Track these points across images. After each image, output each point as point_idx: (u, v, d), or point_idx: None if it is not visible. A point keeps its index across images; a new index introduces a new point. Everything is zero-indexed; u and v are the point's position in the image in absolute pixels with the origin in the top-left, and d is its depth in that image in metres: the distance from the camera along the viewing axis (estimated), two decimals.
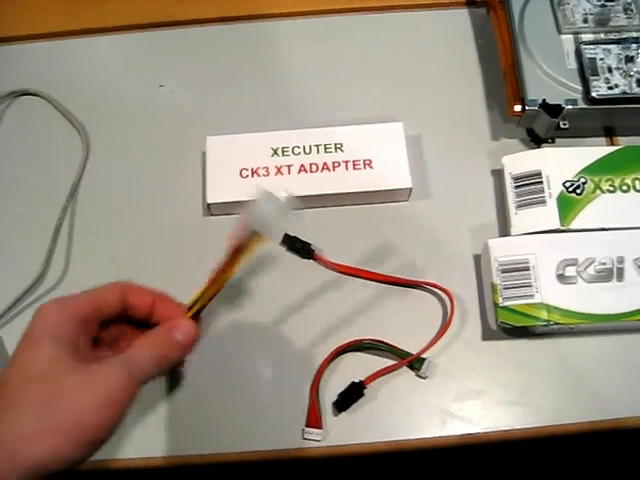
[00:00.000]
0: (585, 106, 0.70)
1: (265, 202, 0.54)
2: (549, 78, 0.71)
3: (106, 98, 0.81)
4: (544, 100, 0.70)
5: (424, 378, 0.65)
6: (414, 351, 0.65)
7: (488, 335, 0.67)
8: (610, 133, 0.76)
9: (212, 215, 0.73)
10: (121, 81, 0.82)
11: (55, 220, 0.73)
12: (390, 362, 0.65)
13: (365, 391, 0.64)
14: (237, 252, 0.54)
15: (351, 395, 0.64)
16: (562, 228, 0.66)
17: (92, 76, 0.82)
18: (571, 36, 0.73)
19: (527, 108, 0.70)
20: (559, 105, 0.70)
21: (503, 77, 0.74)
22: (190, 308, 0.55)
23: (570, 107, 0.70)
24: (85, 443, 0.45)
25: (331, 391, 0.65)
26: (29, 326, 0.48)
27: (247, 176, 0.71)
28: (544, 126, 0.71)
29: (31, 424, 0.44)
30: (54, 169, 0.76)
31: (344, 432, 0.63)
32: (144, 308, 0.54)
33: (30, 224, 0.74)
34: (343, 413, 0.64)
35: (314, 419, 0.63)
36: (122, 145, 0.78)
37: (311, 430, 0.63)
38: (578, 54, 0.72)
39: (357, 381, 0.64)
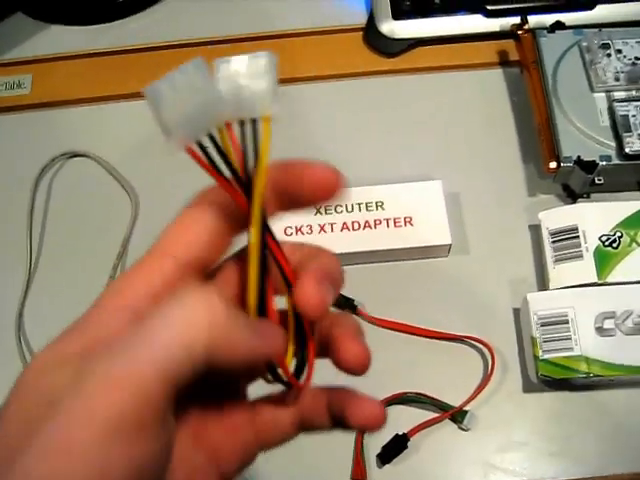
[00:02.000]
0: (619, 162, 0.71)
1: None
2: (583, 135, 0.73)
3: (153, 159, 0.83)
4: (579, 157, 0.71)
5: (466, 430, 0.66)
6: (456, 404, 0.66)
7: (529, 387, 0.68)
8: None
9: None
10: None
11: (107, 279, 0.76)
12: (433, 415, 0.66)
13: (409, 443, 0.65)
14: None
15: (395, 447, 0.65)
16: (599, 282, 0.68)
17: (140, 137, 0.85)
18: (603, 94, 0.75)
19: (562, 165, 0.71)
20: (593, 161, 0.71)
21: (538, 134, 0.76)
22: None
23: (604, 163, 0.71)
24: None
25: (375, 443, 0.66)
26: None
27: (291, 234, 0.73)
28: (579, 182, 0.73)
29: None
30: (104, 229, 0.79)
31: None
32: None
33: (82, 283, 0.75)
34: (387, 465, 0.65)
35: (359, 472, 0.64)
36: (169, 205, 0.79)
37: None
38: (611, 111, 0.74)
39: (401, 434, 0.65)
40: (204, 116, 0.32)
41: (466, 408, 0.66)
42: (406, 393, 0.67)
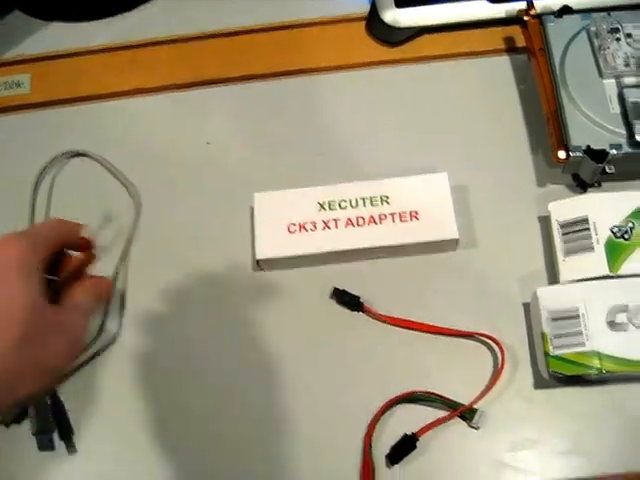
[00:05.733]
0: (630, 150, 0.69)
1: None
2: (592, 123, 0.71)
3: (155, 156, 0.82)
4: (588, 146, 0.70)
5: (476, 429, 0.65)
6: (466, 402, 0.65)
7: (540, 384, 0.66)
8: None
9: (262, 270, 0.74)
10: (169, 139, 0.84)
11: (110, 278, 0.75)
12: (442, 413, 0.65)
13: (418, 443, 0.64)
14: None
15: (404, 447, 0.64)
16: (611, 274, 0.66)
17: (140, 135, 0.85)
18: (613, 80, 0.73)
19: (571, 154, 0.70)
20: (604, 150, 0.69)
21: (546, 123, 0.74)
22: None
23: (615, 152, 0.69)
24: (46, 386, 0.56)
25: (384, 444, 0.65)
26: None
27: (295, 231, 0.72)
28: (589, 171, 0.71)
29: (13, 369, 0.49)
30: (106, 228, 0.78)
31: None
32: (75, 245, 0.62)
33: None
34: (396, 466, 0.64)
35: (367, 473, 0.63)
36: (172, 202, 0.79)
37: None
38: (621, 98, 0.72)
39: (410, 434, 0.64)
40: None
41: (476, 406, 0.65)
42: (414, 392, 0.65)
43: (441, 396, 0.65)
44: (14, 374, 0.49)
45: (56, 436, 0.68)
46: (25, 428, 0.68)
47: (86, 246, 0.63)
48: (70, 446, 0.68)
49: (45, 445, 0.68)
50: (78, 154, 0.83)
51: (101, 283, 0.64)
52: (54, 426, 0.68)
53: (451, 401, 0.65)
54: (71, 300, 0.58)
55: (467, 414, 0.65)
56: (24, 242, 0.53)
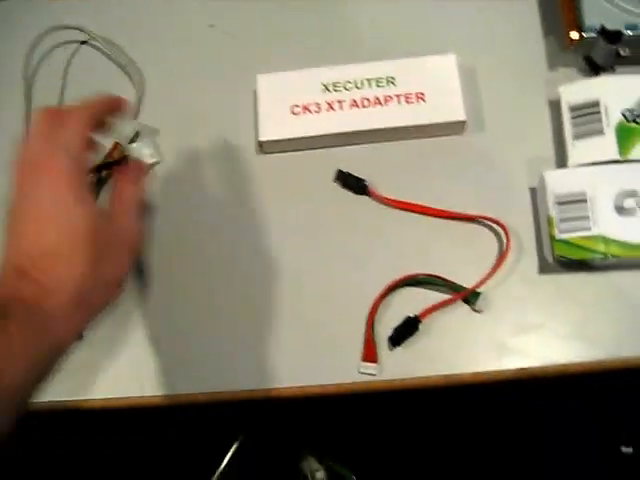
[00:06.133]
0: None
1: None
2: (608, 2, 0.68)
3: (157, 40, 0.80)
4: (602, 26, 0.67)
5: (479, 312, 0.65)
6: (470, 285, 0.64)
7: (545, 269, 0.66)
8: None
9: (265, 153, 0.73)
10: (171, 22, 0.81)
11: None
12: (445, 297, 0.65)
13: (420, 326, 0.64)
14: None
15: (406, 330, 0.64)
16: (621, 158, 0.65)
17: (143, 17, 0.82)
18: None
19: (585, 35, 0.68)
20: (619, 31, 0.67)
21: (559, 3, 0.71)
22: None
23: (630, 33, 0.67)
24: (117, 295, 0.57)
25: (386, 326, 0.65)
26: (44, 173, 0.53)
27: (298, 113, 0.71)
28: (603, 54, 0.69)
29: (88, 287, 0.52)
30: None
31: (399, 367, 0.64)
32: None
33: None
34: (398, 348, 0.64)
35: (370, 353, 0.64)
36: (174, 86, 0.78)
37: (367, 364, 0.64)
38: None
39: (412, 316, 0.64)
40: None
41: (479, 290, 0.64)
42: (418, 274, 0.65)
43: (444, 279, 0.65)
44: (90, 291, 0.52)
45: None
46: None
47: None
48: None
49: None
50: (78, 35, 0.81)
51: (137, 167, 0.65)
52: None
53: (454, 284, 0.65)
54: (118, 199, 0.59)
55: (470, 297, 0.64)
56: (62, 158, 0.53)
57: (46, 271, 0.51)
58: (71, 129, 0.55)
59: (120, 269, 0.56)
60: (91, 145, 0.58)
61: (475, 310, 0.65)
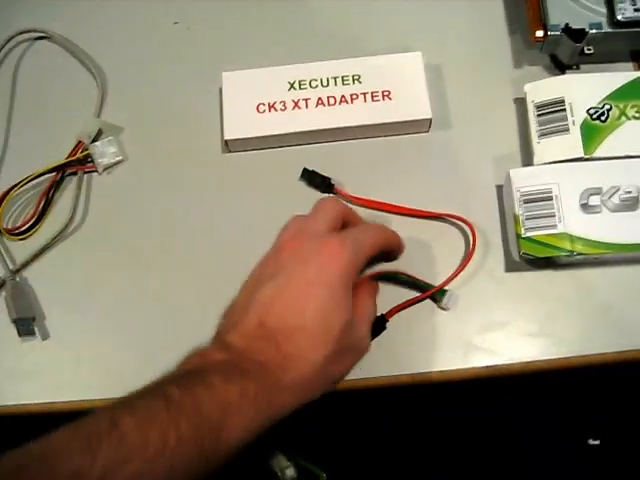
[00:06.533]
0: (610, 30, 0.67)
1: None
2: (572, 1, 0.68)
3: (120, 38, 0.79)
4: (567, 24, 0.67)
5: (446, 310, 0.65)
6: (436, 283, 0.64)
7: (511, 266, 0.66)
8: (638, 58, 0.73)
9: (231, 152, 0.72)
10: (134, 19, 0.80)
11: None
12: (412, 295, 0.65)
13: (387, 324, 0.64)
14: None
15: (373, 329, 0.64)
16: (586, 156, 0.65)
17: (105, 15, 0.81)
18: None
19: (549, 33, 0.68)
20: (583, 29, 0.67)
21: (524, 1, 0.72)
22: None
23: (594, 31, 0.67)
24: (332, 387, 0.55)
25: None
26: (321, 255, 0.53)
27: (264, 111, 0.70)
28: (568, 52, 0.69)
29: (318, 378, 0.51)
30: (70, 112, 0.76)
31: (366, 366, 0.63)
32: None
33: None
34: None
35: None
36: (137, 85, 0.77)
37: None
38: None
39: (379, 315, 0.64)
40: None
41: (446, 288, 0.64)
42: (384, 272, 0.65)
43: (410, 276, 0.65)
44: (315, 384, 0.51)
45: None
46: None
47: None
48: None
49: (26, 331, 0.67)
50: (38, 35, 0.80)
51: (376, 286, 0.64)
52: (33, 312, 0.68)
53: (421, 282, 0.64)
54: (359, 309, 0.56)
55: (437, 295, 0.64)
56: (350, 250, 0.53)
57: (294, 343, 0.50)
58: (368, 236, 0.57)
59: (345, 371, 0.55)
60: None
61: (442, 308, 0.64)
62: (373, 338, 0.63)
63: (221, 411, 0.45)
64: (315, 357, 0.50)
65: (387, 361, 0.64)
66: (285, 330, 0.50)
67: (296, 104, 0.70)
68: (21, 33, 0.79)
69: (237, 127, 0.70)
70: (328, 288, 0.51)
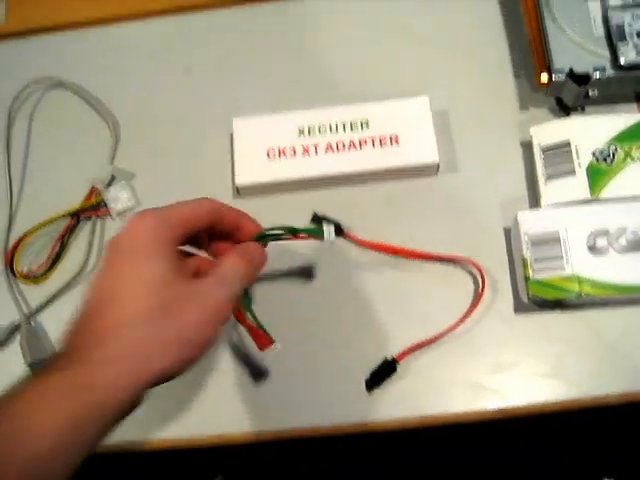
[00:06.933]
0: (613, 73, 0.68)
1: None
2: (576, 45, 0.70)
3: (133, 85, 0.81)
4: (571, 69, 0.68)
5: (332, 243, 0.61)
6: (446, 325, 0.65)
7: (520, 308, 0.67)
8: None
9: (242, 197, 0.73)
10: (147, 67, 0.82)
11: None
12: (423, 337, 0.65)
13: (397, 367, 0.64)
14: None
15: (383, 372, 0.64)
16: (592, 198, 0.66)
17: (118, 63, 0.83)
18: (597, 1, 0.71)
19: (554, 77, 0.69)
20: (587, 73, 0.68)
21: (529, 46, 0.73)
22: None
23: (598, 75, 0.68)
24: (186, 360, 0.48)
25: (364, 369, 0.65)
26: (124, 237, 0.50)
27: (274, 157, 0.71)
28: (572, 95, 0.70)
29: (146, 339, 0.47)
30: (83, 158, 0.77)
31: (376, 409, 0.64)
32: (229, 225, 0.57)
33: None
34: (376, 390, 0.65)
35: (262, 340, 0.58)
36: (150, 131, 0.78)
37: (269, 349, 0.58)
38: (605, 20, 0.70)
39: (389, 358, 0.64)
40: None
41: (457, 330, 0.65)
42: (260, 233, 0.58)
43: (285, 226, 0.59)
44: (146, 345, 0.47)
45: None
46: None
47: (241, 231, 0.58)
48: None
49: None
50: (53, 82, 0.81)
51: (250, 249, 0.57)
52: (47, 356, 0.68)
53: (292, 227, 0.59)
54: (214, 270, 0.53)
55: (317, 233, 0.59)
56: (156, 217, 0.51)
57: (110, 316, 0.47)
58: (181, 210, 0.53)
59: (193, 332, 0.49)
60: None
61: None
62: (384, 381, 0.64)
63: (18, 425, 0.42)
64: (129, 318, 0.47)
65: (397, 403, 0.64)
66: (100, 310, 0.48)
67: (306, 150, 0.71)
68: (37, 81, 0.81)
69: (248, 173, 0.71)
70: (131, 255, 0.49)
